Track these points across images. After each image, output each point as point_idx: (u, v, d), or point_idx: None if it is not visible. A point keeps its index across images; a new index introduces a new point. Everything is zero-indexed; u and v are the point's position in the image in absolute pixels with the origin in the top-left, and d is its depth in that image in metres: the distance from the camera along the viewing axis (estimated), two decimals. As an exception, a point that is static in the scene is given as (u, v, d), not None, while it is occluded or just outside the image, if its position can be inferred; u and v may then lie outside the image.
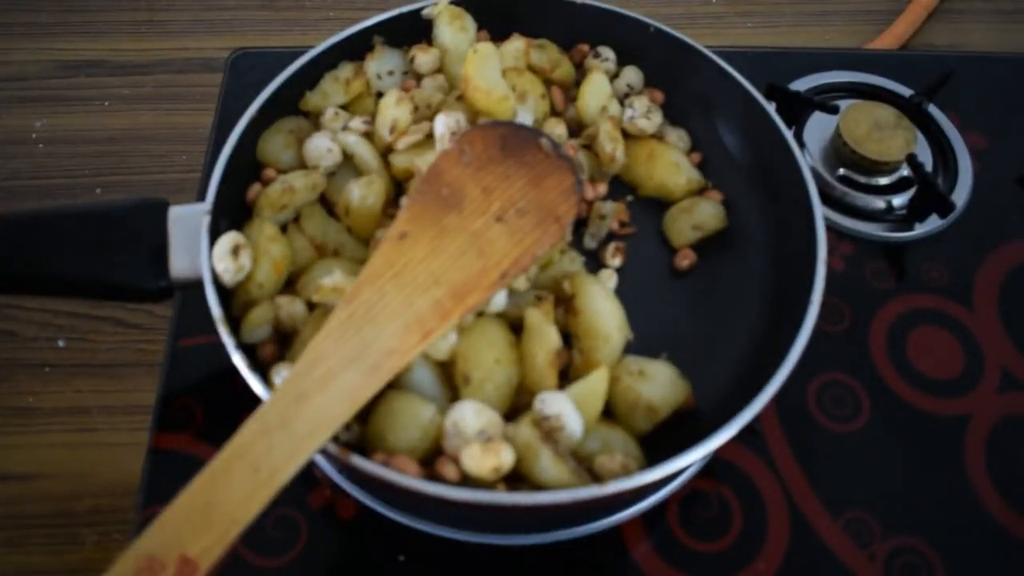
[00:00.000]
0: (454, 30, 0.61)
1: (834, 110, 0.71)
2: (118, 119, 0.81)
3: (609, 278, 0.57)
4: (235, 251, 0.49)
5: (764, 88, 0.65)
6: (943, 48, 0.89)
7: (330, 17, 0.91)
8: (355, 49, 0.61)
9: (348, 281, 0.48)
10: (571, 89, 0.64)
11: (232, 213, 0.53)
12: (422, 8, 0.63)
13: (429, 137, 0.56)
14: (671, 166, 0.61)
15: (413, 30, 0.63)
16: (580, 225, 0.60)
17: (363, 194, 0.54)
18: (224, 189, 0.52)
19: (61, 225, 0.51)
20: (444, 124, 0.54)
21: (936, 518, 0.56)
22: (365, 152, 0.56)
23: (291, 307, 0.50)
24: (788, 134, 0.57)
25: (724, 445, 0.45)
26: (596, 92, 0.61)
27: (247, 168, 0.56)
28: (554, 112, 0.62)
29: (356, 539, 0.54)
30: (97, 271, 0.51)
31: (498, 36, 0.63)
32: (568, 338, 0.51)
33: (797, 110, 0.73)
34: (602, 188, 0.60)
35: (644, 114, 0.61)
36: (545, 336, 0.48)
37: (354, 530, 0.54)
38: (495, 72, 0.57)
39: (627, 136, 0.61)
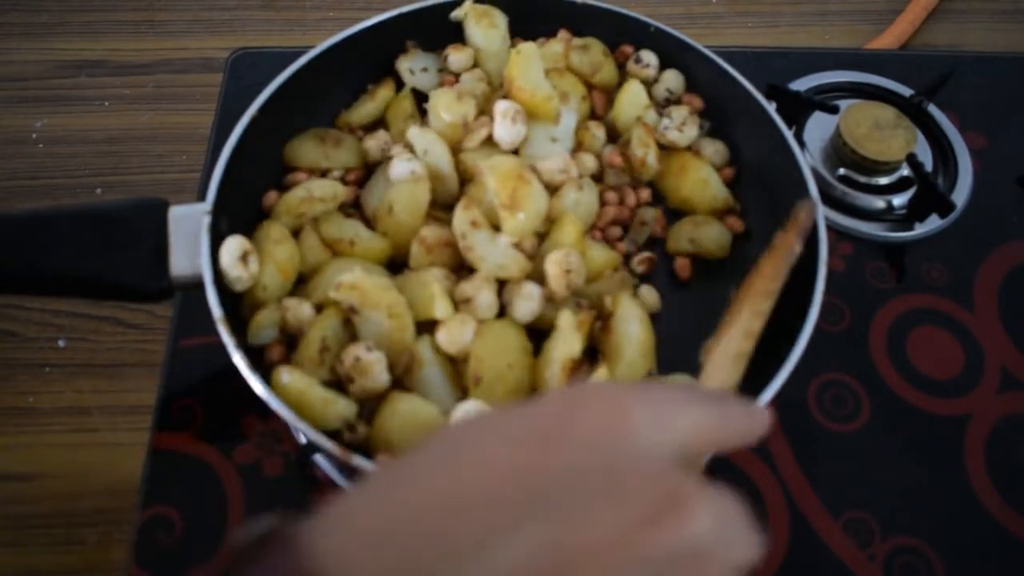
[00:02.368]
0: (483, 27, 0.61)
1: (834, 110, 0.71)
2: (118, 119, 0.81)
3: (650, 295, 0.57)
4: (243, 257, 0.50)
5: (764, 88, 0.65)
6: (943, 48, 0.89)
7: (330, 17, 0.91)
8: (355, 49, 0.61)
9: (367, 279, 0.48)
10: (613, 91, 0.64)
11: (232, 213, 0.53)
12: (437, 4, 0.63)
13: (489, 139, 0.57)
14: (699, 182, 0.60)
15: (414, 30, 0.63)
16: (624, 230, 0.60)
17: (413, 191, 0.54)
18: (224, 189, 0.52)
19: (61, 225, 0.51)
20: (503, 111, 0.55)
21: (936, 518, 0.56)
22: (441, 153, 0.56)
23: (298, 309, 0.50)
24: (788, 134, 0.57)
25: (724, 445, 0.45)
26: (632, 102, 0.61)
27: (247, 168, 0.56)
28: (594, 115, 0.62)
29: (356, 539, 0.54)
30: (97, 271, 0.51)
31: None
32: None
33: (797, 110, 0.73)
34: (645, 194, 0.60)
35: (678, 126, 0.60)
36: (568, 341, 0.49)
37: (354, 530, 0.54)
38: (538, 72, 0.58)
39: (663, 146, 0.61)
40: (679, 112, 0.61)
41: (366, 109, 0.61)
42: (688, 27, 0.84)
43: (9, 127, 0.80)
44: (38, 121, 0.80)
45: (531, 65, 0.57)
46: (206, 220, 0.50)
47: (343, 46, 0.60)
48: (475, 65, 0.62)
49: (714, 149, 0.62)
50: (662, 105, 0.63)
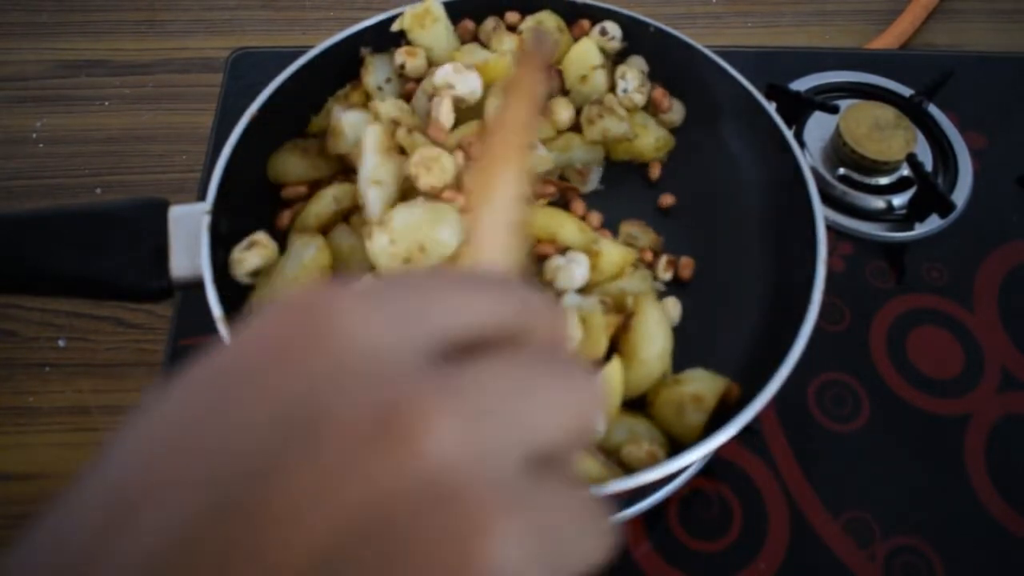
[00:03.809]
0: (427, 27, 0.61)
1: (834, 110, 0.71)
2: (118, 119, 0.81)
3: (674, 307, 0.56)
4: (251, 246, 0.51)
5: (764, 88, 0.65)
6: (943, 48, 0.89)
7: (330, 17, 0.91)
8: (356, 49, 0.61)
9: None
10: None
11: (233, 213, 0.53)
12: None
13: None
14: (640, 128, 0.62)
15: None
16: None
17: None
18: (224, 189, 0.52)
19: (61, 225, 0.51)
20: (452, 68, 0.55)
21: (936, 518, 0.56)
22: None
23: None
24: (788, 134, 0.57)
25: (724, 445, 0.45)
26: (581, 59, 0.61)
27: (248, 168, 0.56)
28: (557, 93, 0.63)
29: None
30: (97, 271, 0.51)
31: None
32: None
33: (797, 110, 0.73)
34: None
35: (637, 88, 0.61)
36: (594, 341, 0.49)
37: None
38: (481, 54, 0.59)
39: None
40: (633, 73, 0.61)
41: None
42: (688, 27, 0.84)
43: (9, 127, 0.80)
44: (38, 121, 0.80)
45: (473, 54, 0.59)
46: (206, 220, 0.50)
47: (343, 46, 0.60)
48: (430, 65, 0.61)
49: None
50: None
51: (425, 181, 0.51)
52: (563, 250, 0.55)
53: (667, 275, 0.58)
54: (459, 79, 0.55)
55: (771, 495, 0.56)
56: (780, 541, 0.54)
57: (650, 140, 0.62)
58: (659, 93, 0.62)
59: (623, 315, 0.52)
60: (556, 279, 0.53)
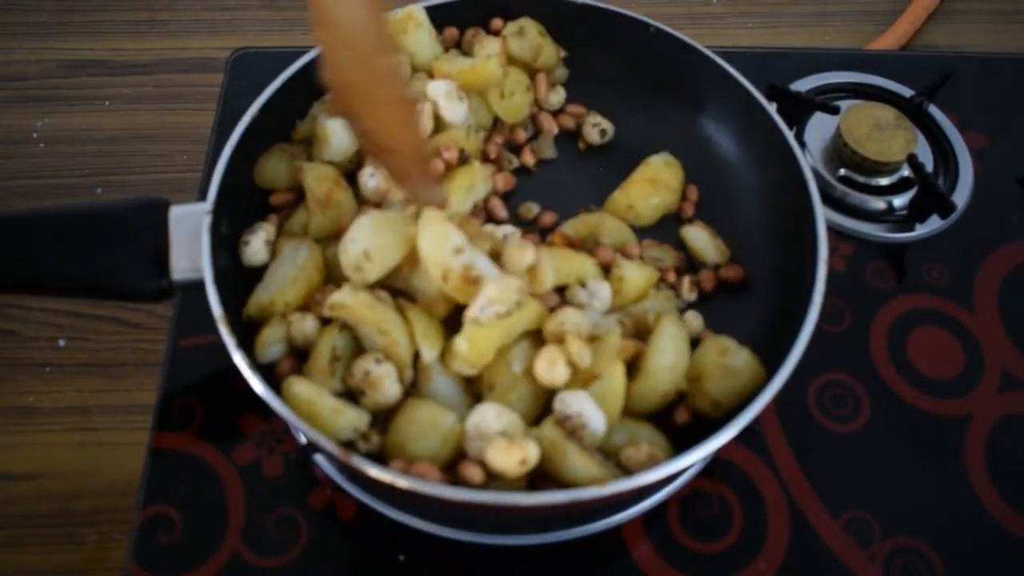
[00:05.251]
0: (411, 31, 0.60)
1: (835, 110, 0.71)
2: (118, 119, 0.81)
3: (695, 319, 0.56)
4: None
5: (764, 88, 0.65)
6: (943, 48, 0.89)
7: (330, 17, 0.91)
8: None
9: (353, 297, 0.48)
10: (554, 71, 0.66)
11: (233, 213, 0.53)
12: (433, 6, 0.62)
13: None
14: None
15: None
16: None
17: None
18: (225, 189, 0.52)
19: (61, 225, 0.51)
20: (444, 92, 0.56)
21: (936, 518, 0.56)
22: None
23: (302, 323, 0.50)
24: (789, 134, 0.57)
25: (724, 445, 0.45)
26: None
27: (248, 168, 0.56)
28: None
29: (356, 539, 0.54)
30: (97, 271, 0.51)
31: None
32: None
33: (797, 110, 0.73)
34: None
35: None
36: (607, 361, 0.48)
37: (354, 530, 0.54)
38: (463, 61, 0.60)
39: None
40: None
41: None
42: (688, 27, 0.84)
43: (10, 127, 0.80)
44: (39, 121, 0.80)
45: (453, 60, 0.59)
46: (207, 220, 0.50)
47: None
48: (414, 71, 0.61)
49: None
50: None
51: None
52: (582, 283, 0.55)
53: (692, 295, 0.58)
54: (449, 105, 0.56)
55: (771, 495, 0.56)
56: (780, 541, 0.54)
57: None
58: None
59: (641, 341, 0.51)
60: (589, 307, 0.53)
